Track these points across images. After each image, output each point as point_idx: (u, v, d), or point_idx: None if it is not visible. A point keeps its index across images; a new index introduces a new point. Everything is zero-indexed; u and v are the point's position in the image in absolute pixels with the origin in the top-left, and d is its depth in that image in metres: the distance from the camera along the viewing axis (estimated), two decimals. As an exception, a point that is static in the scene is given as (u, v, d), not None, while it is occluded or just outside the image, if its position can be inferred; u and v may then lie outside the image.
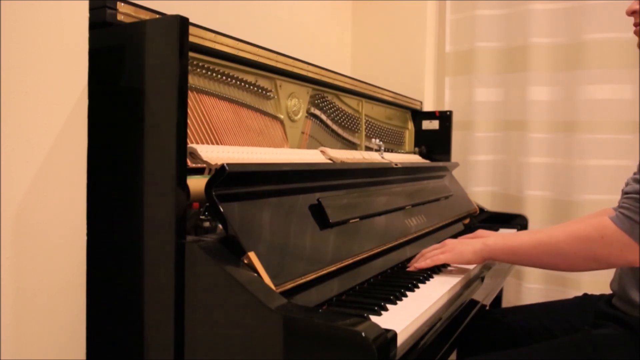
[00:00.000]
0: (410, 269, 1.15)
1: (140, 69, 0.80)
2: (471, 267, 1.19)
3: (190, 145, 0.95)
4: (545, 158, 2.02)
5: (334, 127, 1.55)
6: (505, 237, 1.12)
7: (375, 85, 1.71)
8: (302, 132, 1.40)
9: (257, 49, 1.15)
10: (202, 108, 1.06)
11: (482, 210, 1.93)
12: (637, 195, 0.93)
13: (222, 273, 0.73)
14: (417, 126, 2.09)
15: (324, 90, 1.49)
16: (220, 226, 0.85)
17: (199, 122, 1.05)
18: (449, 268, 1.19)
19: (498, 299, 1.94)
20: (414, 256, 1.28)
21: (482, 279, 1.19)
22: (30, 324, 0.74)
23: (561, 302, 1.32)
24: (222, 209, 0.79)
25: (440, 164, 1.88)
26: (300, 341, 0.68)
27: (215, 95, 1.10)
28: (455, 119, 2.10)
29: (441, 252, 1.15)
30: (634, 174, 1.25)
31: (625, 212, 0.93)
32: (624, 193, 0.97)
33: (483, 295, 1.23)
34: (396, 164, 1.45)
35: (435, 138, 2.05)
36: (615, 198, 1.25)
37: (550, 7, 2.00)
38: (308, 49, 2.05)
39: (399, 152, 1.96)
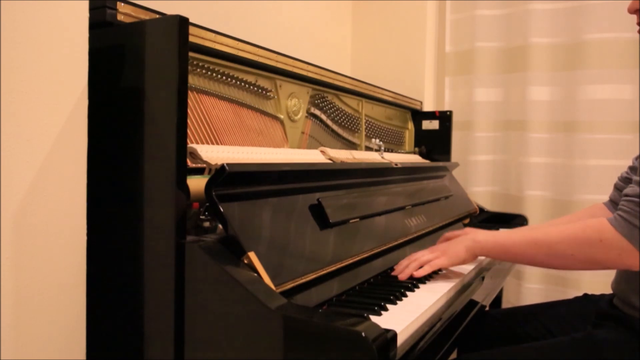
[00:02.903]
0: (401, 276, 1.07)
1: (140, 69, 0.80)
2: (470, 267, 1.19)
3: (190, 145, 0.95)
4: (545, 158, 2.02)
5: (334, 127, 1.55)
6: (496, 234, 1.11)
7: (375, 85, 1.71)
8: (302, 132, 1.40)
9: (257, 49, 1.15)
10: (202, 108, 1.06)
11: (482, 210, 1.93)
12: (637, 199, 0.91)
13: (222, 273, 0.73)
14: (417, 126, 2.09)
15: (324, 90, 1.49)
16: (220, 226, 0.85)
17: (199, 122, 1.05)
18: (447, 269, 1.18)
19: (498, 299, 1.94)
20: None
21: (482, 278, 1.19)
22: (30, 324, 0.74)
23: (561, 303, 1.32)
24: (222, 209, 0.79)
25: (440, 164, 1.88)
26: (300, 341, 0.68)
27: (215, 95, 1.10)
28: (455, 119, 2.09)
29: (435, 256, 1.10)
30: (627, 171, 1.25)
31: (625, 216, 0.92)
32: (624, 195, 0.96)
33: (483, 295, 1.23)
34: (396, 164, 1.45)
35: (435, 138, 2.05)
36: (615, 198, 1.26)
37: (550, 7, 2.00)
38: (308, 49, 2.05)
39: (399, 152, 1.96)
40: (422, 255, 1.11)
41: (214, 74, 1.10)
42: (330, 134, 1.54)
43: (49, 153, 0.75)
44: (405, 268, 1.08)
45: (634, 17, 1.09)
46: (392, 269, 1.15)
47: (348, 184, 1.18)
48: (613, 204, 1.28)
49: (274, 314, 0.69)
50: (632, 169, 1.24)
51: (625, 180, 1.24)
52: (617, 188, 1.27)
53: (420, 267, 1.08)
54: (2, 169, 0.69)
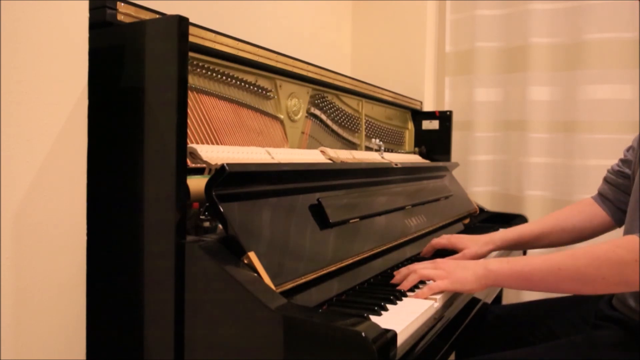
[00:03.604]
0: (401, 287, 1.00)
1: (140, 69, 0.80)
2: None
3: (190, 145, 0.95)
4: (545, 158, 2.02)
5: (334, 127, 1.55)
6: (510, 261, 0.99)
7: (375, 85, 1.71)
8: (302, 132, 1.40)
9: (257, 49, 1.15)
10: (202, 108, 1.06)
11: (482, 210, 1.93)
12: None
13: (222, 273, 0.73)
14: (417, 126, 2.09)
15: (324, 90, 1.49)
16: (220, 226, 0.85)
17: (199, 122, 1.05)
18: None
19: (498, 295, 1.94)
20: (414, 256, 1.28)
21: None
22: (30, 324, 0.74)
23: (561, 299, 1.32)
24: (222, 209, 0.79)
25: (440, 164, 1.88)
26: (300, 341, 0.68)
27: (215, 95, 1.10)
28: (455, 119, 2.09)
29: (437, 275, 0.99)
30: (618, 163, 1.24)
31: None
32: None
33: (484, 293, 1.23)
34: (396, 164, 1.45)
35: (435, 138, 2.05)
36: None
37: (550, 7, 2.00)
38: (308, 49, 2.05)
39: (399, 152, 1.96)
40: (424, 268, 1.02)
41: (214, 74, 1.10)
42: (330, 134, 1.54)
43: (49, 153, 0.75)
44: (404, 280, 1.02)
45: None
46: (392, 269, 1.15)
47: (348, 184, 1.18)
48: (602, 197, 1.28)
49: (274, 314, 0.69)
50: (623, 161, 1.24)
51: (617, 174, 1.24)
52: (608, 181, 1.27)
53: (421, 281, 1.01)
54: (2, 169, 0.69)
